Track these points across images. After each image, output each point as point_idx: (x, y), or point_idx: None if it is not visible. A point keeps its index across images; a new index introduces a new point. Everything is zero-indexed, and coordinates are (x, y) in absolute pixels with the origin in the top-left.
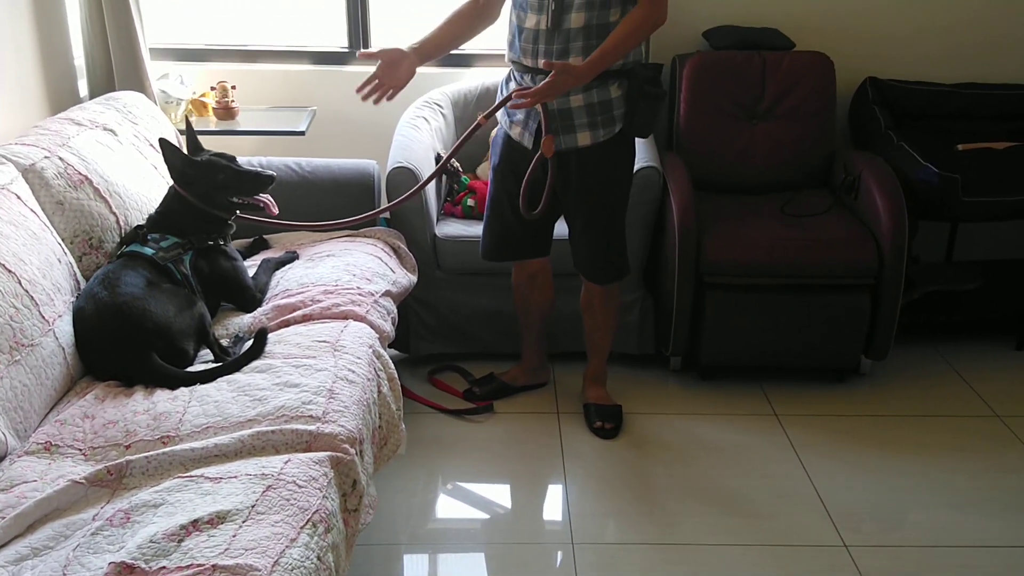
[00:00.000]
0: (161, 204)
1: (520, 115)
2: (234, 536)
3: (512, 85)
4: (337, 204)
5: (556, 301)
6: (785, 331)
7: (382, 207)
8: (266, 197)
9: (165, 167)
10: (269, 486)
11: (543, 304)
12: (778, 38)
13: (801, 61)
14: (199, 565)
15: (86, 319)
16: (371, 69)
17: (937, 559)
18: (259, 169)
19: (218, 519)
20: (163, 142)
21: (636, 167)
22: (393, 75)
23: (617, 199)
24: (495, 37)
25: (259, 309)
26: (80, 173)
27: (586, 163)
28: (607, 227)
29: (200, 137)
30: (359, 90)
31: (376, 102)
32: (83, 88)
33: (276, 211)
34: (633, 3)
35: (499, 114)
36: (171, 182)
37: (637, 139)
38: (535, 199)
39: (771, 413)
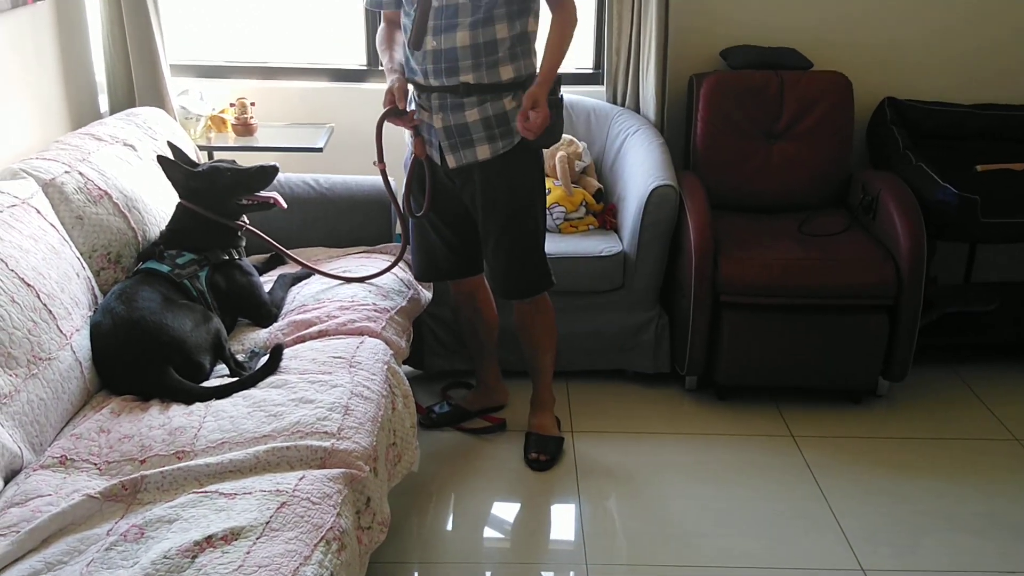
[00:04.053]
0: (170, 221)
1: (424, 133)
2: (248, 553)
3: (414, 105)
4: (354, 221)
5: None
6: (802, 351)
7: (392, 263)
8: (273, 193)
9: None
10: (284, 503)
11: (488, 324)
12: (796, 58)
13: (819, 81)
14: None
15: (103, 334)
16: (384, 86)
17: None
18: (261, 163)
19: (232, 535)
20: (162, 159)
21: (653, 185)
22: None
23: (525, 210)
24: None
25: (275, 324)
26: (100, 188)
27: (488, 176)
28: (518, 240)
29: (218, 153)
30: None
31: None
32: (104, 104)
33: (284, 205)
34: (519, 17)
35: (408, 133)
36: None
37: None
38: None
39: (787, 434)
